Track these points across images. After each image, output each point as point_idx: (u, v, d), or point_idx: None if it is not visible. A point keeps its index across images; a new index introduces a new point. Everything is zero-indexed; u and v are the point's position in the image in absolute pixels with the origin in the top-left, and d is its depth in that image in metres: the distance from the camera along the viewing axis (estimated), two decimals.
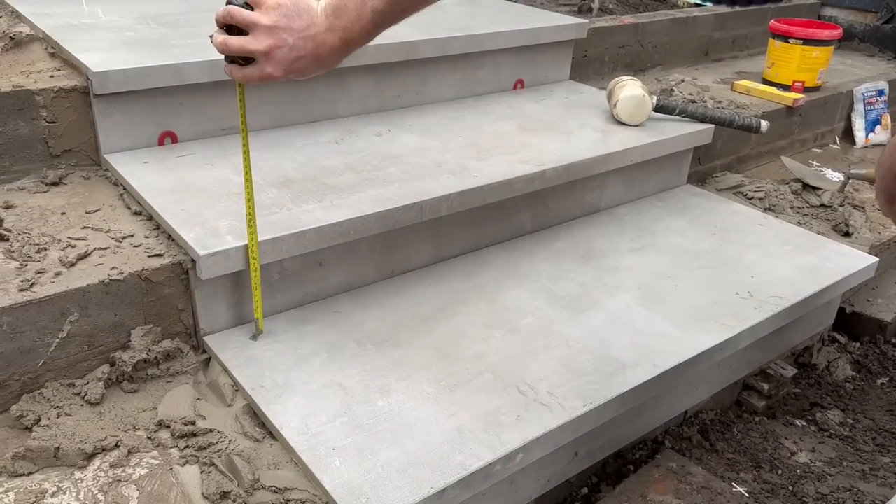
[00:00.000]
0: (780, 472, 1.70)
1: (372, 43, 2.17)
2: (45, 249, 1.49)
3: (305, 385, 1.42)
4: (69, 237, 1.54)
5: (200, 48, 1.96)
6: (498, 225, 2.01)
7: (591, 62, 2.95)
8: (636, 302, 1.78)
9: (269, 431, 1.35)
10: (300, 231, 1.55)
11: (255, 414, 1.38)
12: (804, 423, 1.92)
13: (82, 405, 1.39)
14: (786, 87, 2.99)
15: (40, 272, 1.42)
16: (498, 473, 1.30)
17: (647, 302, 1.79)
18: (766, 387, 1.99)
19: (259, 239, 1.50)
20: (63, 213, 1.64)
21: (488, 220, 1.97)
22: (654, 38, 3.17)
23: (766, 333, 1.81)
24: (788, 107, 2.87)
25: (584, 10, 3.57)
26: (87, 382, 1.42)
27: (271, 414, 1.34)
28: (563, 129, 2.23)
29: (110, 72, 1.74)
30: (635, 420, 1.68)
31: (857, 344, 2.25)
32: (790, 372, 2.01)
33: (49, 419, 1.34)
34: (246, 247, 1.48)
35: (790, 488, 1.65)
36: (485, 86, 2.52)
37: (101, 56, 1.83)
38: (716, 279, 1.91)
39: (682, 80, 2.96)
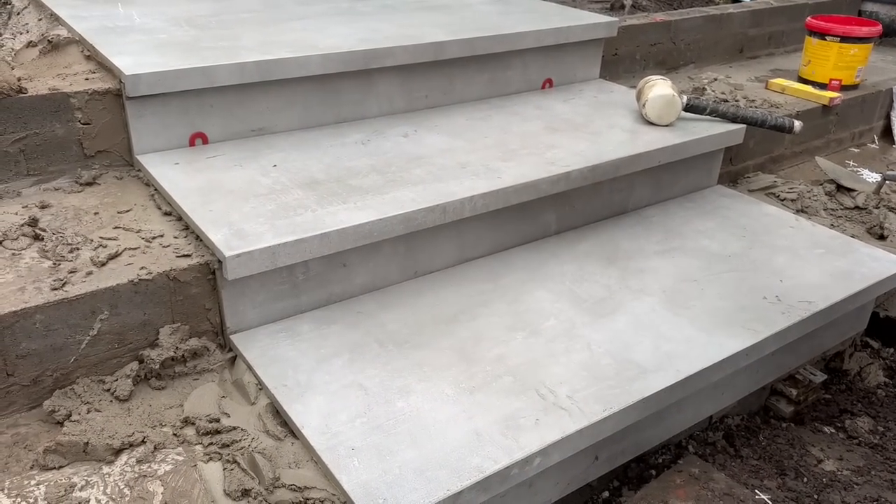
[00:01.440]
0: (805, 479, 1.68)
1: (398, 44, 2.20)
2: (78, 249, 1.54)
3: (327, 385, 1.44)
4: (101, 237, 1.58)
5: (231, 50, 2.00)
6: (523, 226, 2.01)
7: (622, 60, 2.92)
8: (661, 305, 1.77)
9: (290, 430, 1.37)
10: (324, 233, 1.57)
11: (277, 412, 1.41)
12: (833, 430, 1.89)
13: (111, 401, 1.43)
14: (822, 86, 2.93)
15: (72, 271, 1.46)
16: (515, 477, 1.31)
17: (672, 306, 1.77)
18: (794, 392, 1.95)
19: (283, 240, 1.52)
20: (96, 213, 1.69)
21: (513, 221, 1.97)
22: (686, 36, 3.12)
23: (793, 339, 1.78)
24: (824, 106, 2.81)
25: (616, 8, 3.53)
26: (117, 379, 1.46)
27: (293, 413, 1.37)
28: (590, 129, 2.22)
29: (142, 74, 1.79)
30: (658, 425, 1.67)
31: (891, 349, 2.20)
32: (820, 377, 1.98)
33: (80, 414, 1.38)
34: (270, 248, 1.51)
35: (815, 497, 1.63)
36: (513, 85, 2.51)
37: (133, 59, 1.87)
38: (743, 283, 1.88)
39: (716, 79, 2.91)
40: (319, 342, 1.57)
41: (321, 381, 1.46)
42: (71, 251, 1.53)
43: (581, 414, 1.41)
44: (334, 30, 2.28)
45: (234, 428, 1.37)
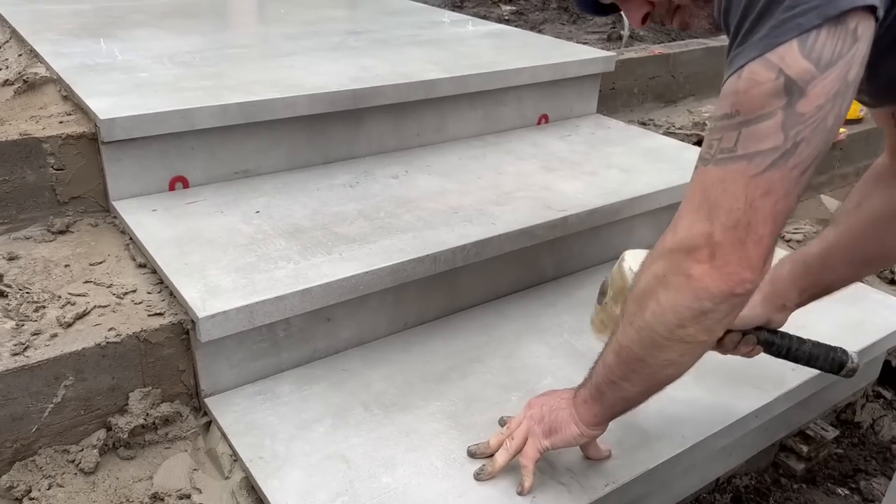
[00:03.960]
0: None
1: (389, 82, 2.12)
2: (44, 307, 1.44)
3: (307, 457, 1.34)
4: (69, 293, 1.49)
5: (214, 90, 1.92)
6: (518, 272, 1.92)
7: (620, 94, 2.85)
8: None
9: None
10: (306, 289, 1.48)
11: (252, 488, 1.31)
12: (847, 492, 1.78)
13: (76, 474, 1.33)
14: None
15: (36, 333, 1.37)
16: None
17: None
18: (805, 449, 1.85)
19: (262, 298, 1.43)
20: (66, 266, 1.60)
21: (507, 268, 1.88)
22: (685, 69, 3.06)
23: (804, 396, 1.68)
24: None
25: (613, 38, 3.47)
26: (82, 449, 1.36)
27: (268, 490, 1.26)
28: (587, 168, 2.14)
29: (118, 119, 1.70)
30: (662, 491, 1.57)
31: None
32: (831, 434, 1.87)
33: (39, 490, 1.28)
34: (248, 307, 1.41)
35: None
36: (507, 122, 2.44)
37: (110, 101, 1.79)
38: None
39: None
40: (300, 405, 1.47)
41: (300, 451, 1.35)
42: (36, 310, 1.43)
43: (581, 489, 1.30)
44: (323, 67, 2.20)
45: None
